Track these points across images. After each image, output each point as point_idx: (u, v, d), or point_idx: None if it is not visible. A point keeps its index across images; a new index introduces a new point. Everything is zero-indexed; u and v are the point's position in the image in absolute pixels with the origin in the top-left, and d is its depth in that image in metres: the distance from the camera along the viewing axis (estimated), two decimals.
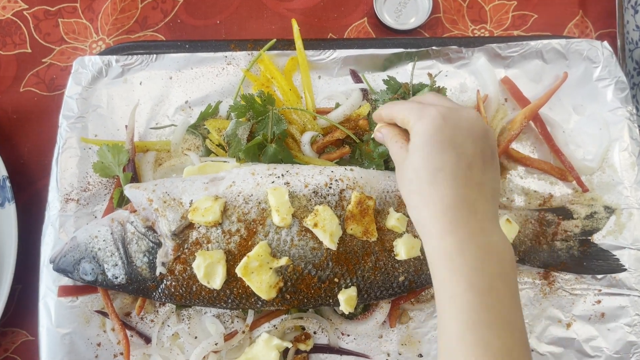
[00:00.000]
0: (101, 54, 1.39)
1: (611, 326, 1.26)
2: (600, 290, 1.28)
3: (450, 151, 0.87)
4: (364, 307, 1.25)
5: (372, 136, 1.13)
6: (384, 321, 1.25)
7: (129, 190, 1.16)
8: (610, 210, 1.30)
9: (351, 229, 1.11)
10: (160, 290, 1.13)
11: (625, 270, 1.26)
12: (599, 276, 1.28)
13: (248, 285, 1.08)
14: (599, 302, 1.27)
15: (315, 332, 1.26)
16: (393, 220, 1.14)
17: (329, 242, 1.09)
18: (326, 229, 1.09)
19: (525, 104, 1.34)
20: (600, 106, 1.36)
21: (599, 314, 1.26)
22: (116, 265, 1.13)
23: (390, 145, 1.01)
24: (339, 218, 1.12)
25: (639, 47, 1.49)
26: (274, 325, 1.25)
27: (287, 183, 1.13)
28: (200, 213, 1.09)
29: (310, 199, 1.13)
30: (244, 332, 1.21)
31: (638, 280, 1.27)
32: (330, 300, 1.14)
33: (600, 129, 1.35)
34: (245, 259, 1.07)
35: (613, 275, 1.27)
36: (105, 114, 1.36)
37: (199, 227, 1.11)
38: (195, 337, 1.24)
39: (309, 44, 1.38)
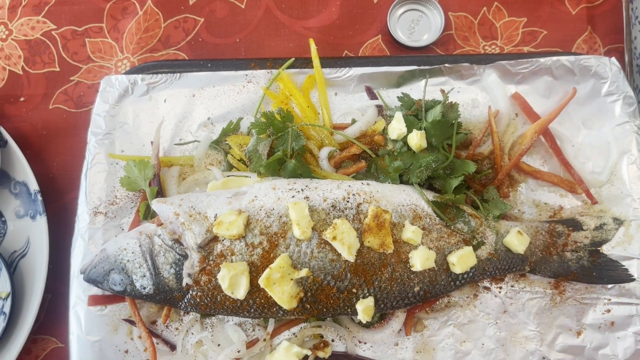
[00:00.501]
0: (127, 72, 1.46)
1: (621, 334, 1.29)
2: (609, 299, 1.31)
3: None
4: (380, 316, 1.30)
5: None
6: (400, 329, 1.30)
7: (157, 205, 1.22)
8: (619, 221, 1.33)
9: (368, 242, 1.16)
10: (186, 300, 1.18)
11: (634, 280, 1.30)
12: (609, 286, 1.31)
13: (270, 296, 1.13)
14: (608, 311, 1.31)
15: (333, 340, 1.31)
16: (409, 232, 1.19)
17: (347, 254, 1.14)
18: (344, 242, 1.14)
19: (535, 119, 1.38)
20: (609, 120, 1.39)
21: (608, 323, 1.30)
22: (144, 276, 1.18)
23: None
24: (357, 231, 1.17)
25: None
26: (294, 333, 1.30)
27: (306, 197, 1.18)
28: (225, 227, 1.14)
29: (329, 213, 1.18)
30: (265, 339, 1.26)
31: None
32: (349, 310, 1.19)
33: (608, 143, 1.38)
34: (267, 270, 1.12)
35: (622, 285, 1.31)
36: (132, 131, 1.42)
37: (223, 240, 1.16)
38: (219, 345, 1.29)
39: (326, 62, 1.43)
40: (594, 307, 1.31)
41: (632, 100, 1.39)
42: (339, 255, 1.15)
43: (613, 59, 1.41)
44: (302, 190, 1.20)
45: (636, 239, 1.33)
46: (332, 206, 1.18)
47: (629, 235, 1.33)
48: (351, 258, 1.14)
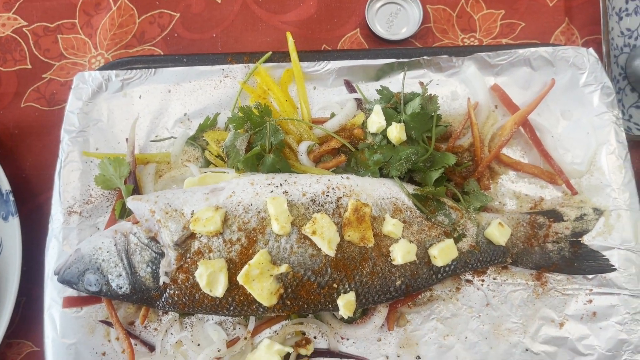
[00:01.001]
0: (101, 69, 1.43)
1: (603, 325, 1.29)
2: (591, 290, 1.31)
3: None
4: (362, 312, 1.28)
5: None
6: (382, 324, 1.28)
7: (132, 202, 1.19)
8: (599, 212, 1.33)
9: (348, 236, 1.15)
10: (163, 299, 1.15)
11: (615, 270, 1.30)
12: (590, 276, 1.31)
13: (249, 293, 1.11)
14: (590, 301, 1.31)
15: (315, 337, 1.29)
16: (389, 226, 1.17)
17: (327, 248, 1.12)
18: (324, 236, 1.12)
19: (514, 110, 1.38)
20: (587, 111, 1.40)
21: (590, 313, 1.30)
22: (120, 275, 1.15)
23: None
24: (337, 225, 1.15)
25: (623, 53, 1.53)
26: (275, 331, 1.28)
27: (285, 192, 1.17)
28: (202, 223, 1.12)
29: (308, 207, 1.16)
30: (245, 338, 1.24)
31: (628, 280, 1.30)
32: (330, 306, 1.17)
33: (587, 134, 1.38)
34: (246, 267, 1.10)
35: (603, 275, 1.31)
36: (106, 128, 1.38)
37: (200, 237, 1.14)
38: (198, 345, 1.26)
39: (304, 56, 1.42)
40: (576, 297, 1.31)
41: (610, 90, 1.39)
42: (319, 250, 1.13)
43: (591, 49, 1.42)
44: (280, 185, 1.18)
45: (616, 228, 1.33)
46: (312, 200, 1.17)
47: (609, 225, 1.33)
48: (331, 253, 1.13)
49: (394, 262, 1.17)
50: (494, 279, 1.32)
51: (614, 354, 1.27)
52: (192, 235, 1.14)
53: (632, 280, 1.30)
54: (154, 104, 1.41)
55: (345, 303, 1.15)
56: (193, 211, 1.15)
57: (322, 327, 1.28)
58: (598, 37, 1.53)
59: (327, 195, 1.17)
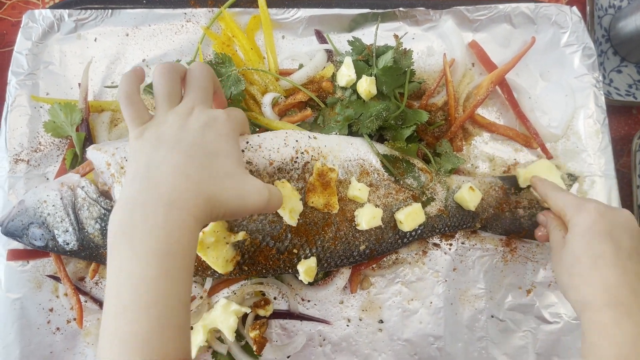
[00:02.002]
0: (52, 7, 1.32)
1: None
2: None
3: (608, 242, 0.95)
4: (325, 273, 1.23)
5: (536, 218, 1.20)
6: (345, 287, 1.24)
7: (91, 152, 1.10)
8: (573, 177, 1.29)
9: (312, 202, 1.09)
10: None
11: None
12: None
13: (204, 260, 1.05)
14: None
15: (275, 298, 1.24)
16: (355, 190, 1.12)
17: (289, 218, 1.06)
18: (285, 206, 1.05)
19: (492, 69, 1.32)
20: (567, 72, 1.34)
21: None
22: (67, 231, 1.08)
23: (552, 231, 1.09)
24: (300, 190, 1.09)
25: (608, 14, 1.47)
26: (233, 291, 1.23)
27: (249, 162, 1.07)
28: None
29: (273, 175, 1.08)
30: (202, 297, 1.19)
31: None
32: (290, 270, 1.12)
33: (566, 96, 1.33)
34: (200, 234, 1.03)
35: None
36: (58, 72, 1.29)
37: None
38: None
39: (273, 2, 1.33)
40: (545, 265, 1.28)
41: (591, 51, 1.33)
42: (280, 216, 1.07)
43: (574, 8, 1.35)
44: (243, 151, 1.08)
45: (590, 195, 1.29)
46: (279, 169, 1.09)
47: (582, 191, 1.30)
48: (293, 222, 1.06)
49: (359, 227, 1.12)
50: (462, 243, 1.28)
51: (580, 322, 1.24)
52: None
53: None
54: (111, 47, 1.31)
55: (306, 269, 1.10)
56: None
57: (283, 288, 1.23)
58: None
59: (295, 162, 1.10)
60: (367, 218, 1.11)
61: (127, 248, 0.75)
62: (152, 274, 0.73)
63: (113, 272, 0.76)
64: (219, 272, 1.06)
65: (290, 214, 1.06)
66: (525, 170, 1.24)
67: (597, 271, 0.94)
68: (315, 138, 1.15)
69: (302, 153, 1.11)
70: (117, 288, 0.74)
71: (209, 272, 1.10)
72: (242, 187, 0.86)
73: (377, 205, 1.14)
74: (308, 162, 1.11)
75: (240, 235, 1.06)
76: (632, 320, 0.89)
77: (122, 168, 1.08)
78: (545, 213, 1.16)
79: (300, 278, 1.11)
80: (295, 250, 1.10)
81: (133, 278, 0.73)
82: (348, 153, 1.15)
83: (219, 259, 1.05)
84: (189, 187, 0.80)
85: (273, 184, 1.06)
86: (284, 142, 1.12)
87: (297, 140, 1.13)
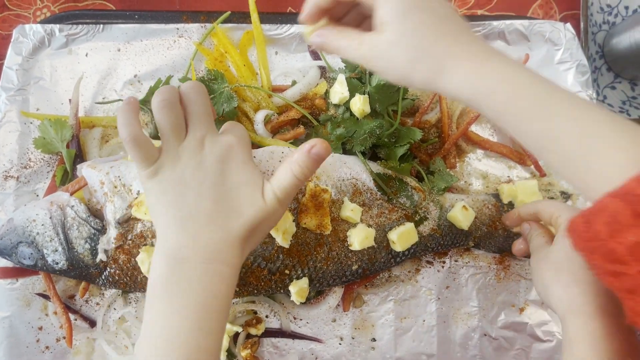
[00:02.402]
0: (43, 22, 1.31)
1: None
2: None
3: None
4: (317, 292, 1.22)
5: (521, 227, 1.15)
6: (338, 305, 1.23)
7: (86, 170, 1.09)
8: (566, 195, 1.29)
9: (305, 223, 1.08)
10: (104, 278, 1.08)
11: None
12: None
13: None
14: None
15: (267, 316, 1.23)
16: (347, 211, 1.11)
17: (282, 240, 1.04)
18: (279, 228, 1.04)
19: None
20: None
21: None
22: (56, 250, 1.07)
23: (535, 238, 1.07)
24: (293, 211, 1.08)
25: (602, 30, 1.47)
26: None
27: None
28: (144, 210, 1.03)
29: None
30: None
31: None
32: (282, 291, 1.12)
33: None
34: None
35: None
36: (48, 87, 1.28)
37: (144, 220, 1.05)
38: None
39: (266, 18, 1.32)
40: None
41: (585, 69, 1.33)
42: (272, 237, 1.06)
43: (568, 24, 1.35)
44: None
45: None
46: None
47: (575, 209, 1.29)
48: (286, 244, 1.06)
49: (351, 248, 1.11)
50: (456, 261, 1.28)
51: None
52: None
53: None
54: (102, 63, 1.30)
55: (298, 290, 1.09)
56: (139, 191, 1.06)
57: (274, 306, 1.22)
58: (577, 12, 1.46)
59: None
60: (360, 238, 1.10)
61: (166, 300, 0.78)
62: (188, 327, 0.76)
63: (150, 320, 0.79)
64: None
65: (283, 236, 1.04)
66: (509, 187, 1.24)
67: (578, 287, 0.92)
68: None
69: None
70: (152, 337, 0.78)
71: None
72: (266, 209, 0.86)
73: (369, 225, 1.13)
74: None
75: None
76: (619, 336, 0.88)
77: (115, 187, 1.07)
78: (531, 222, 1.13)
79: (292, 299, 1.10)
80: (287, 271, 1.09)
81: (169, 329, 0.77)
82: (341, 172, 1.14)
83: None
84: (222, 236, 0.82)
85: None
86: (279, 161, 1.09)
87: None
